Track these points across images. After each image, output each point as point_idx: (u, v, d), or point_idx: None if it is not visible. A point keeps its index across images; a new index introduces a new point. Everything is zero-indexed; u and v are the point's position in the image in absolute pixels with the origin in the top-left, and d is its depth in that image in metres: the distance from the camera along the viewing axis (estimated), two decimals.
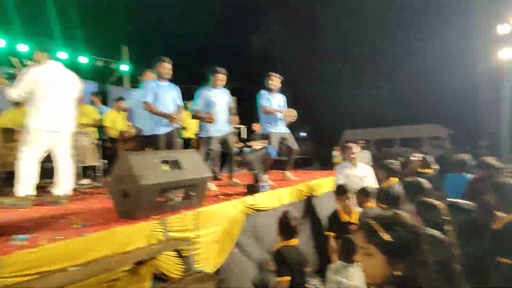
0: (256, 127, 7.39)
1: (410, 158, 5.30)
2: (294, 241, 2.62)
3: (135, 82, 9.88)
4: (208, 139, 4.21)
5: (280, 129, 4.76)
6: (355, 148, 4.07)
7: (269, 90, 4.67)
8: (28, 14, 7.97)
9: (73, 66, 8.17)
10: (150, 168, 2.43)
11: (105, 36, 9.01)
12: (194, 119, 5.94)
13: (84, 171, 5.01)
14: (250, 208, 3.12)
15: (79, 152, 4.70)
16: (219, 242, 2.77)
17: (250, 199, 3.17)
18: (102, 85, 8.90)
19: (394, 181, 3.40)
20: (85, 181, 4.96)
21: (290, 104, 5.10)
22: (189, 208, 2.64)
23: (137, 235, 2.21)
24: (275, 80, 4.70)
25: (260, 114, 4.77)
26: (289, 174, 4.98)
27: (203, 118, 4.06)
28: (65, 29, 7.95)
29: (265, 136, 4.74)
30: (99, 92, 8.57)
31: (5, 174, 3.83)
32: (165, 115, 3.65)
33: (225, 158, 5.27)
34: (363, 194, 3.29)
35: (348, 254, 2.50)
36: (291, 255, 2.55)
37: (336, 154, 9.51)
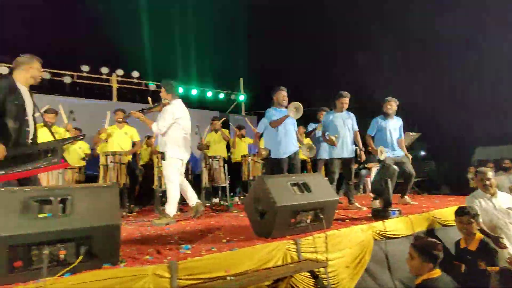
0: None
1: None
2: (437, 272, 2.29)
3: (249, 110, 10.84)
4: (330, 161, 4.34)
5: (394, 153, 4.54)
6: (490, 173, 3.34)
7: (385, 114, 4.61)
8: (167, 60, 9.83)
9: (201, 99, 9.61)
10: (284, 190, 2.63)
11: (225, 71, 10.29)
12: (307, 138, 6.15)
13: (215, 191, 5.72)
14: (379, 234, 2.98)
15: (211, 174, 5.42)
16: (350, 267, 2.73)
17: (380, 225, 3.03)
18: (223, 113, 10.08)
19: None
20: (216, 200, 5.65)
21: (408, 119, 4.89)
22: (319, 230, 2.71)
23: (275, 253, 2.39)
24: (392, 105, 4.62)
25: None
26: (408, 198, 4.58)
27: (327, 141, 4.23)
28: (197, 71, 9.56)
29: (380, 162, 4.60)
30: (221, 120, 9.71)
31: (161, 193, 4.68)
32: (283, 118, 3.96)
33: (342, 180, 5.22)
34: None
35: None
36: None
37: (472, 176, 8.17)
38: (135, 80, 8.78)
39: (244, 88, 10.75)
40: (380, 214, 3.23)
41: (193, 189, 5.00)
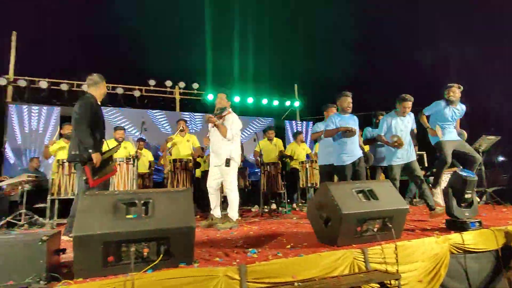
0: None
1: None
2: None
3: (304, 116, 10.76)
4: (389, 168, 4.13)
5: (451, 136, 4.22)
6: None
7: (448, 101, 4.24)
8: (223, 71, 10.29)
9: (257, 107, 9.82)
10: (349, 198, 2.57)
11: (280, 79, 10.41)
12: (365, 145, 5.89)
13: (273, 197, 5.78)
14: (457, 247, 2.73)
15: (269, 180, 5.50)
16: (423, 282, 2.54)
17: (457, 237, 2.78)
18: (278, 120, 10.16)
19: None
20: (274, 206, 5.70)
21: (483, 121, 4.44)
22: (388, 240, 2.58)
23: (342, 261, 2.33)
24: (455, 92, 4.24)
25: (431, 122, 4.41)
26: None
27: (389, 143, 4.02)
28: (252, 79, 9.84)
29: (437, 146, 4.28)
30: (276, 127, 9.80)
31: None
32: (343, 129, 3.85)
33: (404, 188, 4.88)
34: None
35: None
36: None
37: None
38: (195, 92, 9.33)
39: (299, 94, 10.73)
40: (457, 225, 2.96)
41: (252, 195, 5.06)
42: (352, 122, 4.01)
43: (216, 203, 3.99)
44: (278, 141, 6.35)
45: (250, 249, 2.50)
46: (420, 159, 7.50)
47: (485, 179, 5.09)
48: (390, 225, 2.64)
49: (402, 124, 4.18)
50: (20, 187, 4.83)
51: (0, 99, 7.43)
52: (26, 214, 4.72)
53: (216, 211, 3.98)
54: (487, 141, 4.94)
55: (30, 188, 4.92)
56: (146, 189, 4.32)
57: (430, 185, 6.28)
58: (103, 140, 3.43)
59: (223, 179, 3.91)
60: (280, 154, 6.15)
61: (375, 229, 2.63)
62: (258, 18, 10.45)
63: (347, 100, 4.01)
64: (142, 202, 2.06)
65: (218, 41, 10.43)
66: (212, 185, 3.93)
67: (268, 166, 5.50)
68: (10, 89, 7.50)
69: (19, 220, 4.63)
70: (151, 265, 1.92)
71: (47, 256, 1.76)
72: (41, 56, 8.44)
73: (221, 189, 4.24)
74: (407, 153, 4.12)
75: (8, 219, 4.57)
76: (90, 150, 3.09)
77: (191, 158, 5.30)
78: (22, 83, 7.48)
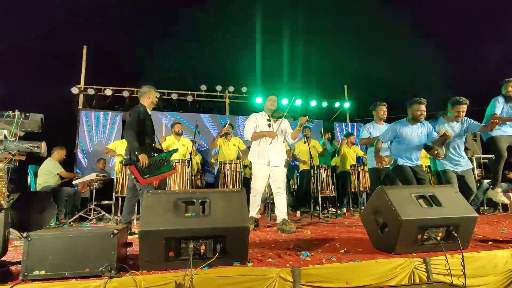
0: None
1: None
2: None
3: (354, 117, 10.39)
4: (443, 173, 3.80)
5: (509, 131, 3.85)
6: None
7: (507, 98, 3.89)
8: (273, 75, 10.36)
9: (305, 109, 9.71)
10: (408, 203, 2.42)
11: (329, 80, 10.21)
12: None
13: (323, 201, 5.66)
14: None
15: (318, 183, 5.40)
16: None
17: None
18: (328, 122, 9.94)
19: None
20: (324, 210, 5.58)
21: None
22: (453, 250, 2.38)
23: (401, 270, 2.21)
24: None
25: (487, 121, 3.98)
26: None
27: (435, 156, 3.73)
28: (301, 83, 9.81)
29: (490, 141, 3.92)
30: (325, 129, 9.59)
31: (272, 200, 4.90)
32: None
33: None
34: None
35: None
36: None
37: None
38: (243, 95, 9.53)
39: (349, 95, 10.40)
40: None
41: (302, 198, 4.95)
42: (415, 134, 3.65)
43: (259, 206, 4.03)
44: (315, 143, 6.21)
45: (302, 252, 2.48)
46: (483, 162, 6.81)
47: None
48: (456, 234, 2.43)
49: (454, 132, 3.81)
50: (90, 185, 5.35)
51: (73, 106, 8.32)
52: (95, 209, 5.22)
53: (256, 214, 4.02)
54: None
55: (98, 186, 5.43)
56: (203, 189, 4.52)
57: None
58: (154, 144, 3.73)
59: (275, 181, 3.92)
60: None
61: (438, 238, 2.45)
62: (306, 21, 10.38)
63: (420, 108, 3.53)
64: (200, 201, 2.16)
65: (266, 44, 10.58)
66: (261, 188, 3.91)
67: (318, 169, 5.40)
68: (81, 97, 8.36)
69: (89, 215, 5.14)
70: (207, 262, 2.00)
71: (118, 248, 1.93)
72: (106, 66, 9.30)
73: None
74: (461, 163, 3.81)
75: (81, 213, 5.09)
76: (136, 152, 3.38)
77: (238, 160, 5.42)
78: (90, 91, 8.31)
